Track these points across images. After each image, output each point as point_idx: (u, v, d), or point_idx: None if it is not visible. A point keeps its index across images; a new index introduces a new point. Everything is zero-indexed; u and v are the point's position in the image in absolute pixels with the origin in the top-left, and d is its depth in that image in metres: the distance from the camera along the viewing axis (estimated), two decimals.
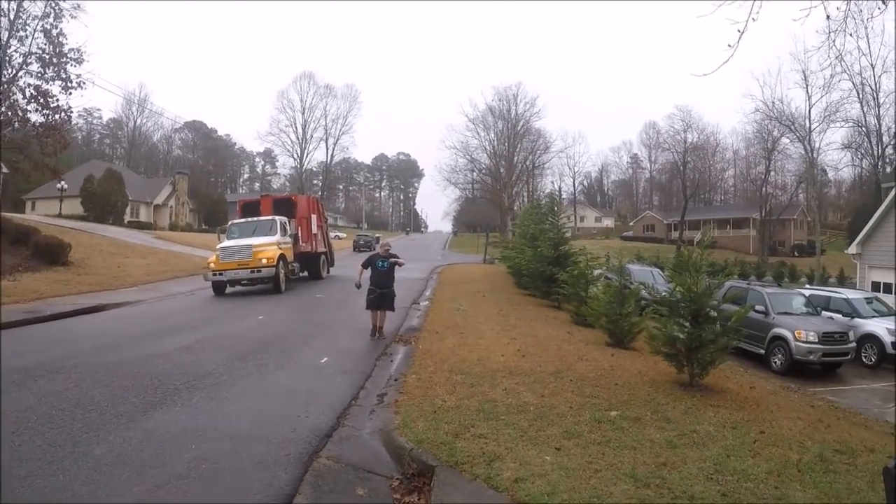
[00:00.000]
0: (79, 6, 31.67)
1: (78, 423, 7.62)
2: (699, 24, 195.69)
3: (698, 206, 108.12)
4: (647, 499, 5.97)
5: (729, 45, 8.57)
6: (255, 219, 26.87)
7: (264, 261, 23.65)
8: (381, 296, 14.76)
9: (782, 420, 10.12)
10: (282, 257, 24.76)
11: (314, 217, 30.74)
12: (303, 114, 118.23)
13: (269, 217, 26.76)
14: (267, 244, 24.53)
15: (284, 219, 27.03)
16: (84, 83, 30.84)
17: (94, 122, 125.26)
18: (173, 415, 8.09)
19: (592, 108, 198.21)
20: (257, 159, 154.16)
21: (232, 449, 6.94)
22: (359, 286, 15.16)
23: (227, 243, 24.71)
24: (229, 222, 27.96)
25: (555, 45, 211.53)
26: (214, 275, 23.80)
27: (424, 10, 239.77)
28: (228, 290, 24.40)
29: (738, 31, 8.18)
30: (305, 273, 30.41)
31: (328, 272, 33.24)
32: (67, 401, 8.49)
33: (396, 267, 15.26)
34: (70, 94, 30.43)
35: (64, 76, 29.90)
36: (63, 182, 50.77)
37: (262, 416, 8.27)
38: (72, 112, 31.32)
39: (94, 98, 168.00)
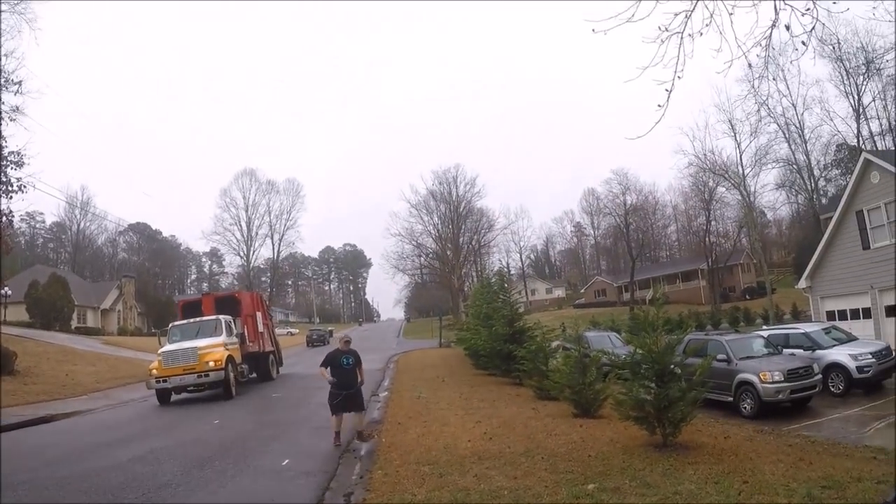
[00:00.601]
0: (18, 108, 30.56)
1: None
2: (626, 89, 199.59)
3: (646, 265, 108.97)
4: None
5: (659, 106, 8.52)
6: (198, 319, 25.09)
7: (211, 363, 21.90)
8: (346, 397, 13.04)
9: (763, 465, 9.93)
10: (230, 359, 22.98)
11: (259, 314, 29.54)
12: (246, 211, 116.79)
13: (213, 317, 25.05)
14: (213, 345, 22.78)
15: (229, 318, 25.48)
16: (25, 187, 29.37)
17: (37, 226, 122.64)
18: None
19: (532, 182, 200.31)
20: (204, 259, 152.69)
21: None
22: (332, 383, 13.14)
23: (169, 347, 22.94)
24: (170, 325, 25.82)
25: (489, 123, 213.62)
26: (158, 382, 21.90)
27: (357, 99, 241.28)
28: (174, 397, 22.62)
29: (666, 90, 8.16)
30: (254, 374, 28.04)
31: (278, 372, 31.58)
32: None
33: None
34: (11, 198, 29.05)
35: (4, 179, 29.24)
36: (6, 288, 50.24)
37: None
38: (13, 216, 30.51)
39: (36, 201, 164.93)
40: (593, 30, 7.47)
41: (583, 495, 8.03)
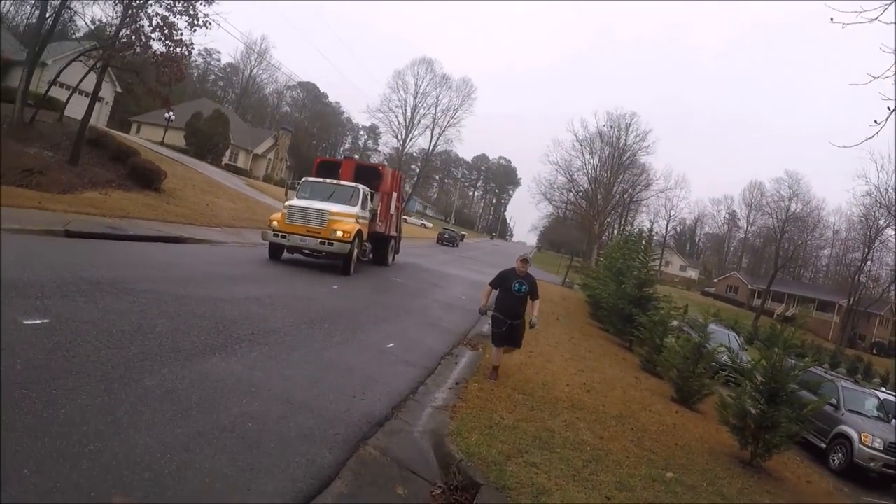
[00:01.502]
0: None
1: (136, 348, 7.57)
2: (838, 91, 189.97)
3: (786, 279, 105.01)
4: None
5: (876, 122, 8.09)
6: (336, 182, 22.88)
7: (340, 233, 19.84)
8: (510, 328, 11.30)
9: None
10: (358, 233, 20.88)
11: (394, 195, 27.19)
12: (415, 98, 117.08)
13: (353, 184, 22.61)
14: (346, 214, 20.71)
15: (368, 189, 23.22)
16: (210, 23, 30.23)
17: (212, 63, 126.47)
18: (230, 364, 8.00)
19: (701, 154, 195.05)
20: (361, 132, 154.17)
21: (281, 414, 6.81)
22: (483, 312, 12.02)
23: (297, 202, 20.85)
24: (302, 179, 23.44)
25: (678, 83, 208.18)
26: (276, 236, 20.07)
27: (553, 25, 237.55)
28: (285, 256, 21.10)
29: (888, 108, 7.74)
30: (372, 256, 25.90)
31: (394, 259, 29.62)
32: (130, 323, 8.47)
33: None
34: (194, 31, 29.57)
35: (192, 13, 30.03)
36: (171, 113, 51.43)
37: (318, 387, 8.15)
38: (193, 48, 31.11)
39: (217, 40, 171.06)
40: (832, 19, 7.16)
41: (659, 479, 8.01)
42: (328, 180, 22.86)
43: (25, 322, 7.30)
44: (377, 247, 26.15)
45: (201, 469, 5.11)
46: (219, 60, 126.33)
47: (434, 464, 7.00)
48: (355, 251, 20.99)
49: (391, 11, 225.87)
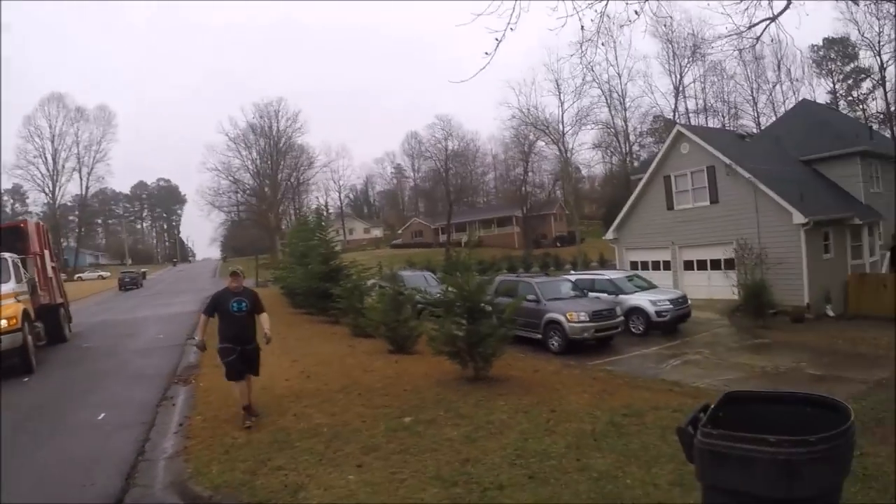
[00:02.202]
0: None
1: None
2: (457, 34, 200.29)
3: (463, 209, 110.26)
4: (459, 497, 6.03)
5: (486, 53, 8.88)
6: None
7: (3, 323, 14.93)
8: (242, 354, 9.79)
9: (569, 396, 10.58)
10: (26, 315, 16.24)
11: (47, 253, 22.03)
12: (52, 142, 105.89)
13: None
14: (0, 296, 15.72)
15: (15, 256, 18.06)
16: None
17: None
18: None
19: (354, 120, 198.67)
20: (5, 197, 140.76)
21: None
22: (201, 347, 10.51)
23: None
24: None
25: (317, 56, 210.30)
26: None
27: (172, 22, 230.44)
28: None
29: (496, 39, 8.50)
30: (45, 337, 19.72)
31: (70, 330, 23.40)
32: None
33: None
34: None
35: None
36: None
37: (43, 491, 7.59)
38: None
39: None
40: None
41: (400, 428, 8.35)
42: None
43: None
44: (48, 322, 20.24)
45: None
46: None
47: None
48: (30, 338, 16.21)
49: None
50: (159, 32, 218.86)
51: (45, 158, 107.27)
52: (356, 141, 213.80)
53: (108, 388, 13.99)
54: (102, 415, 11.35)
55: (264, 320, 10.20)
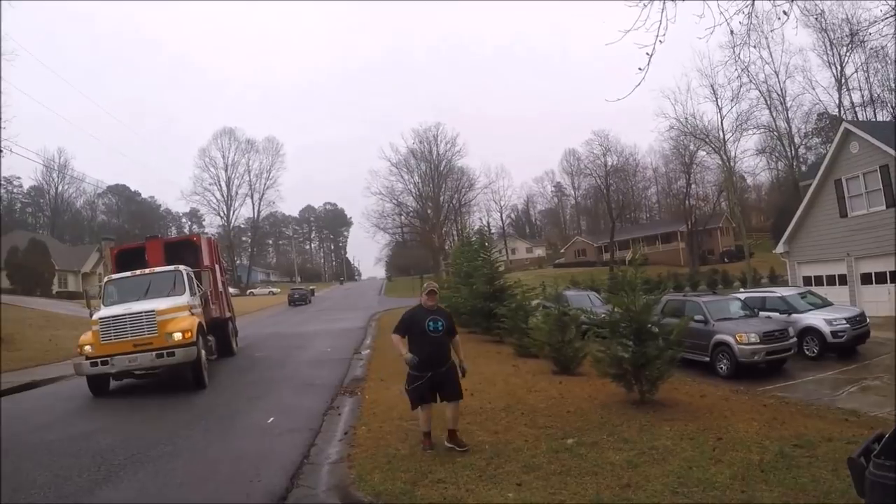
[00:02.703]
0: None
1: None
2: (608, 52, 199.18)
3: (626, 226, 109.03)
4: None
5: (640, 69, 8.76)
6: (147, 271, 17.67)
7: (179, 336, 14.99)
8: (434, 380, 8.81)
9: (738, 423, 10.16)
10: (200, 329, 16.17)
11: (217, 268, 22.10)
12: (226, 171, 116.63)
13: (170, 268, 17.62)
14: (175, 308, 15.94)
15: (190, 270, 18.09)
16: (1, 150, 28.45)
17: (15, 190, 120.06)
18: (121, 492, 7.76)
19: (513, 141, 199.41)
20: (184, 220, 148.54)
21: None
22: (412, 363, 8.78)
23: (108, 311, 15.77)
24: (104, 279, 18.35)
25: (471, 83, 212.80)
26: (94, 364, 14.83)
27: (332, 61, 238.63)
28: (114, 384, 15.95)
29: (647, 54, 8.39)
30: (215, 352, 19.62)
31: (237, 344, 23.58)
32: (7, 487, 8.05)
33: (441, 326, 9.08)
34: None
35: None
36: None
37: (213, 484, 8.07)
38: None
39: (13, 166, 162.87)
40: None
41: (562, 449, 8.26)
42: (138, 272, 17.46)
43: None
44: (218, 336, 20.22)
45: None
46: (20, 186, 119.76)
47: None
48: (203, 353, 16.03)
49: (167, 82, 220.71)
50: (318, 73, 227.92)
51: (220, 185, 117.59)
52: (515, 162, 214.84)
53: (278, 395, 14.59)
54: (272, 419, 11.85)
55: (458, 346, 9.31)
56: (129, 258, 19.82)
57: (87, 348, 15.00)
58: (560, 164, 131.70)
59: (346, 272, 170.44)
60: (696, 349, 18.99)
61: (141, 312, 14.93)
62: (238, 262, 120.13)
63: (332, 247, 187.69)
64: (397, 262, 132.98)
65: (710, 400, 13.05)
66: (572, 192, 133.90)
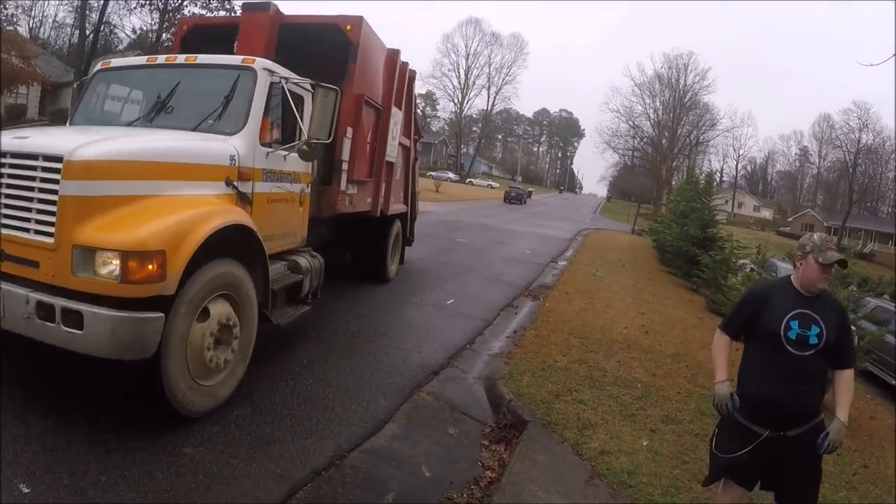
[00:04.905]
0: None
1: None
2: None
3: (863, 215, 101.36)
4: None
5: None
6: (187, 58, 7.26)
7: (107, 264, 4.72)
8: (772, 448, 4.46)
9: (891, 460, 9.64)
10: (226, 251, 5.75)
11: (398, 113, 11.75)
12: (466, 59, 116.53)
13: (233, 60, 7.19)
14: (174, 168, 5.66)
15: (310, 84, 7.59)
16: None
17: None
18: None
19: (765, 89, 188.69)
20: (418, 100, 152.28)
21: (340, 368, 7.39)
22: (730, 408, 4.53)
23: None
24: (94, 67, 8.02)
25: (730, 16, 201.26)
26: None
27: None
28: None
29: None
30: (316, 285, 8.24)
31: (401, 261, 14.28)
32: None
33: None
34: None
35: (228, 7, 28.49)
36: None
37: (378, 344, 8.75)
38: None
39: None
40: None
41: (708, 413, 8.17)
42: (156, 58, 7.71)
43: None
44: (363, 245, 12.42)
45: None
46: None
47: (486, 406, 7.45)
48: (209, 332, 5.49)
49: None
50: None
51: (458, 73, 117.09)
52: (763, 111, 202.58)
53: (465, 281, 15.02)
54: (451, 300, 12.40)
55: (844, 386, 4.62)
56: (205, 39, 9.95)
57: None
58: (811, 128, 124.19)
59: (568, 182, 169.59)
60: (886, 367, 17.58)
61: (36, 155, 5.01)
62: (464, 150, 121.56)
63: (560, 154, 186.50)
64: (620, 185, 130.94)
65: (877, 424, 12.35)
66: (817, 161, 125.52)
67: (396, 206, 12.52)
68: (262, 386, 6.46)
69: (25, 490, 4.11)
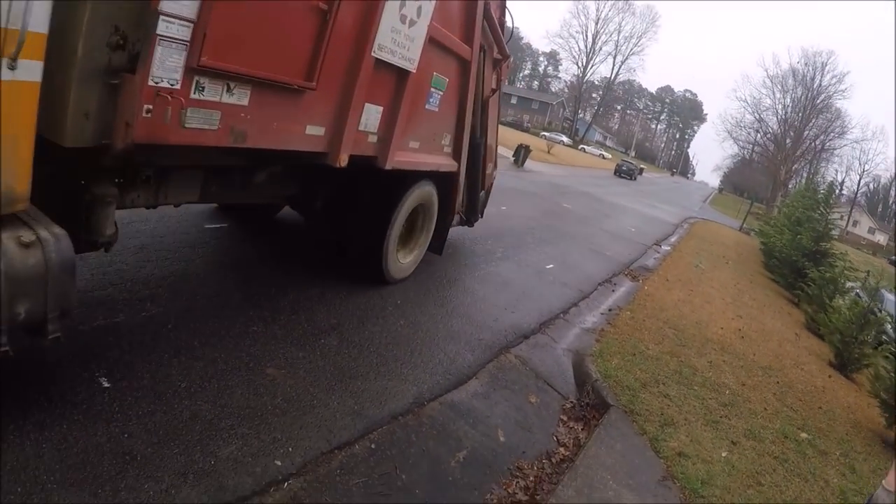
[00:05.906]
0: None
1: None
2: None
3: None
4: None
5: None
6: None
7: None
8: None
9: None
10: None
11: (476, 52, 7.55)
12: (596, 24, 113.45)
13: None
14: None
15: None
16: None
17: None
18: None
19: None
20: (541, 58, 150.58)
21: (433, 315, 7.33)
22: None
23: None
24: None
25: (880, 20, 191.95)
26: None
27: None
28: None
29: None
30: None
31: (438, 250, 9.06)
32: None
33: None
34: None
35: None
36: None
37: (473, 297, 8.69)
38: None
39: None
40: None
41: (792, 437, 7.96)
42: None
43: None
44: (346, 213, 7.42)
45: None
46: None
47: (571, 380, 7.34)
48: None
49: None
50: None
51: (586, 36, 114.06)
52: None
53: (566, 248, 14.89)
54: (550, 265, 12.28)
55: None
56: None
57: None
58: None
59: (682, 166, 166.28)
60: None
61: None
62: (581, 115, 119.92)
63: (677, 136, 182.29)
64: (734, 178, 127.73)
65: None
66: None
67: (421, 158, 7.31)
68: (352, 319, 6.50)
69: (106, 385, 4.21)
